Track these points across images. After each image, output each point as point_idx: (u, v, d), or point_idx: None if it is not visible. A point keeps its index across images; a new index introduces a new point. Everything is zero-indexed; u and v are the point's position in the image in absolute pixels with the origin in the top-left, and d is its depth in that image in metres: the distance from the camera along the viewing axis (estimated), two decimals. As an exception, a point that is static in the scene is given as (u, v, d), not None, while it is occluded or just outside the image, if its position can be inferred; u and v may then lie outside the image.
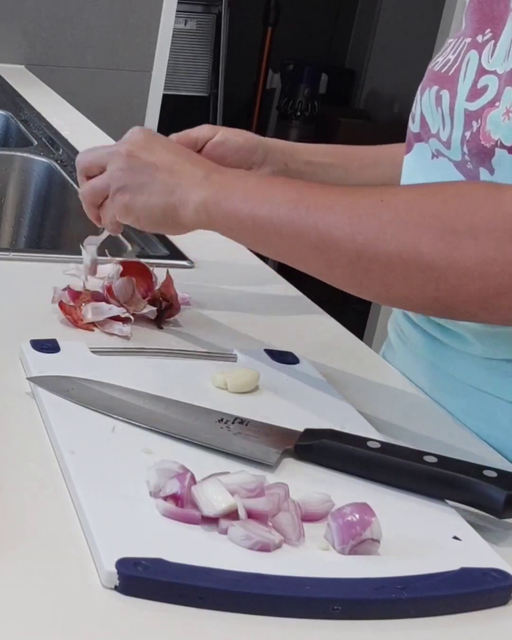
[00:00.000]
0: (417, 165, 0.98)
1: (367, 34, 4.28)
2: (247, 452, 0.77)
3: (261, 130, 4.01)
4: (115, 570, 0.62)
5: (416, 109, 0.97)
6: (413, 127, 0.98)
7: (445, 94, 0.91)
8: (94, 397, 0.83)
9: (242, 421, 0.81)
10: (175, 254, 1.24)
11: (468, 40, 0.91)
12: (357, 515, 0.67)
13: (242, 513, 0.67)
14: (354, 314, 3.34)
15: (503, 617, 0.65)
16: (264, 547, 0.66)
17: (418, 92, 0.97)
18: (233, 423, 0.80)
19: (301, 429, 0.79)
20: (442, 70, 0.93)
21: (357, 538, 0.66)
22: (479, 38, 0.89)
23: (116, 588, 0.62)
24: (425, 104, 0.95)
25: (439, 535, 0.70)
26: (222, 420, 0.81)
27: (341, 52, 4.36)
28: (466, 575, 0.66)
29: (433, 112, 0.93)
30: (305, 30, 4.20)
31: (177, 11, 2.53)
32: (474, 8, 0.92)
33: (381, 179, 1.12)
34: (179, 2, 2.53)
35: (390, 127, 2.64)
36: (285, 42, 4.08)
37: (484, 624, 0.64)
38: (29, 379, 0.86)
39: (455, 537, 0.70)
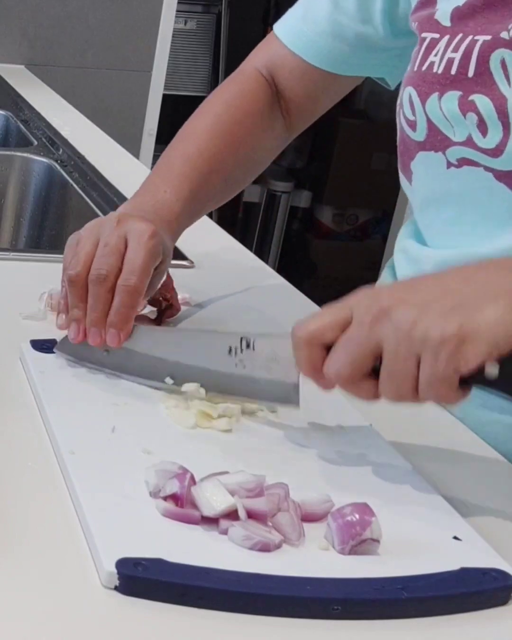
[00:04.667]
0: (428, 175, 0.93)
1: (367, 34, 4.27)
2: (271, 397, 0.82)
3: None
4: (115, 570, 0.62)
5: (416, 117, 0.90)
6: (415, 135, 0.91)
7: (480, 98, 0.84)
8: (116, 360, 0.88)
9: (248, 344, 0.83)
10: (175, 254, 1.23)
11: (487, 38, 0.84)
12: (357, 515, 0.67)
13: (242, 513, 0.67)
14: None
15: (503, 617, 0.65)
16: (264, 547, 0.66)
17: (413, 98, 0.90)
18: (242, 351, 0.83)
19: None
20: (452, 72, 0.86)
21: (357, 538, 0.66)
22: (505, 35, 0.83)
23: (116, 588, 0.62)
24: (432, 111, 0.88)
25: (439, 535, 0.70)
26: (230, 351, 0.83)
27: (341, 52, 4.36)
28: (466, 575, 0.66)
29: (455, 119, 0.86)
30: (305, 30, 4.20)
31: (177, 11, 2.52)
32: (481, 3, 0.85)
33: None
34: (179, 2, 2.53)
35: (390, 127, 2.64)
36: (285, 42, 4.07)
37: (484, 624, 0.64)
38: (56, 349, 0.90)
39: (455, 537, 0.70)
